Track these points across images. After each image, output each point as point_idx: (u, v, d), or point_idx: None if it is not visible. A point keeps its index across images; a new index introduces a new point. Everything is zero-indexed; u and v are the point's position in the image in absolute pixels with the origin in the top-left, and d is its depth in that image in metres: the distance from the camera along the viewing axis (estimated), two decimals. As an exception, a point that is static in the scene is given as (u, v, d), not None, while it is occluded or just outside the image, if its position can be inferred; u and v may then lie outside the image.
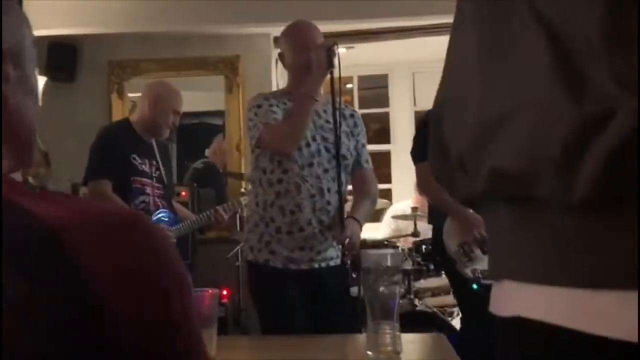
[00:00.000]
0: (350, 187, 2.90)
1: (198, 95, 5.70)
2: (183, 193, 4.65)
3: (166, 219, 3.62)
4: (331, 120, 2.65)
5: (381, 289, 1.43)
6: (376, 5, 4.81)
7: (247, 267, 2.77)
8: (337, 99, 2.59)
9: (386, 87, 6.23)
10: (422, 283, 4.42)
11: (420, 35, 5.32)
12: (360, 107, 6.26)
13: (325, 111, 2.72)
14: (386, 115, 6.17)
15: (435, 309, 4.25)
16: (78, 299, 0.62)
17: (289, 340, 1.78)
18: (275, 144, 2.63)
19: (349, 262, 2.62)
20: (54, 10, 4.76)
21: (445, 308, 4.47)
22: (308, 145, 2.65)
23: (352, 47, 5.53)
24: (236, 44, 5.13)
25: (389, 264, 1.44)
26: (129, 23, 4.86)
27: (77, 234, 0.64)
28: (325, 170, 2.66)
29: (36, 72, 0.85)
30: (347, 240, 2.58)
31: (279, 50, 2.85)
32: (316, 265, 2.67)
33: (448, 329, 4.04)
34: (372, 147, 6.36)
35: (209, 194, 5.13)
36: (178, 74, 5.06)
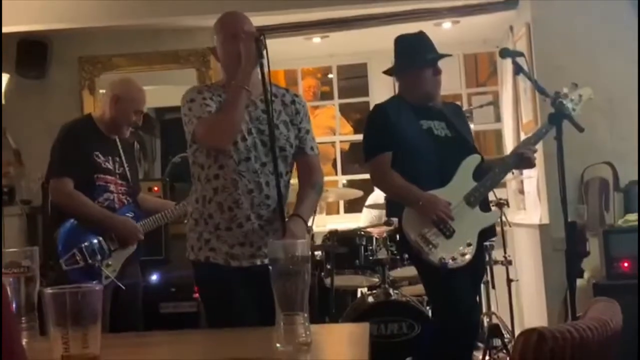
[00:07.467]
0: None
1: (174, 90, 5.65)
2: (155, 188, 4.62)
3: (131, 216, 3.59)
4: None
5: (289, 279, 1.39)
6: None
7: (191, 266, 2.72)
8: (269, 91, 2.52)
9: (365, 76, 6.16)
10: (399, 272, 4.37)
11: (398, 22, 5.25)
12: (340, 97, 6.21)
13: (262, 101, 2.63)
14: (366, 105, 6.11)
15: (411, 298, 4.22)
16: None
17: (206, 334, 1.74)
18: (209, 138, 2.57)
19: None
20: (23, 7, 4.70)
21: (424, 296, 4.43)
22: (244, 139, 2.59)
23: (327, 37, 5.47)
24: (207, 37, 5.06)
25: (297, 253, 1.40)
26: (99, 18, 4.81)
27: None
28: (263, 164, 2.61)
29: None
30: None
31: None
32: (258, 262, 2.60)
33: (424, 318, 4.02)
34: (353, 137, 6.38)
35: (184, 188, 5.09)
36: (149, 69, 5.02)
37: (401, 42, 3.40)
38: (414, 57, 3.31)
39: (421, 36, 3.37)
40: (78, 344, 1.17)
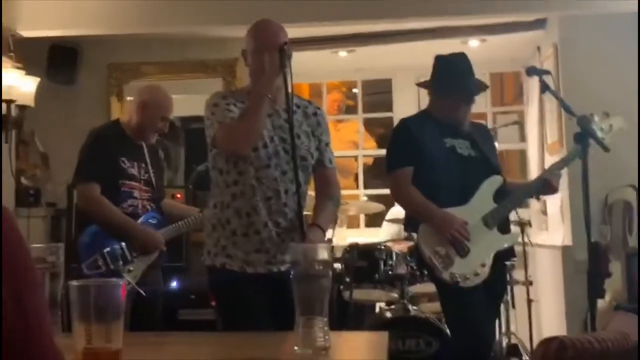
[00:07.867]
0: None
1: (201, 99, 5.70)
2: (178, 195, 4.65)
3: (154, 222, 3.61)
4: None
5: (310, 282, 1.39)
6: (378, 7, 4.76)
7: (206, 271, 2.72)
8: (290, 100, 2.54)
9: (390, 92, 6.18)
10: (418, 288, 4.35)
11: (425, 39, 5.25)
12: (364, 111, 6.23)
13: (285, 110, 2.64)
14: (390, 120, 6.12)
15: (429, 314, 4.19)
16: None
17: (224, 336, 1.75)
18: (228, 143, 2.58)
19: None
20: (55, 12, 4.78)
21: (442, 313, 4.40)
22: (265, 146, 2.60)
23: (353, 51, 5.49)
24: (234, 47, 5.11)
25: (318, 257, 1.41)
26: (129, 25, 4.87)
27: None
28: (284, 172, 2.61)
29: None
30: None
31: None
32: (275, 269, 2.60)
33: (442, 334, 3.99)
34: (376, 152, 6.39)
35: (207, 196, 5.12)
36: (177, 77, 5.08)
37: (441, 62, 3.33)
38: (453, 83, 3.25)
39: (462, 60, 3.29)
40: (101, 338, 1.18)
